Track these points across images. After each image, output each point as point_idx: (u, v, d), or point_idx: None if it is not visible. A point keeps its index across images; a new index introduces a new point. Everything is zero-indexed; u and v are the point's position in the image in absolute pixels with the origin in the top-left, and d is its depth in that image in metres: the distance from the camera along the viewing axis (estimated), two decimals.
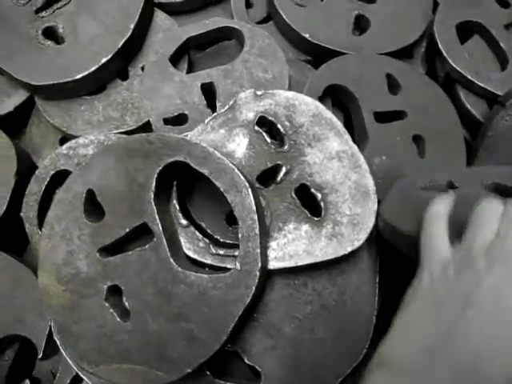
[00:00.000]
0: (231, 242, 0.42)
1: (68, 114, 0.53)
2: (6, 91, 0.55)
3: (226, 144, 0.43)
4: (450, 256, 0.32)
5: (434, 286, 0.32)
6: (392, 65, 0.52)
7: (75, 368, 0.42)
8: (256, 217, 0.37)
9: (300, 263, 0.39)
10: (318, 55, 0.55)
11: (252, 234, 0.37)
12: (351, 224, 0.40)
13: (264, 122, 0.43)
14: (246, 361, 0.41)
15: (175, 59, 0.51)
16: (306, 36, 0.53)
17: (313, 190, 0.41)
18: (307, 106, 0.43)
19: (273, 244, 0.40)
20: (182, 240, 0.41)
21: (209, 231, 0.42)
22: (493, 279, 0.29)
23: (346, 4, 0.56)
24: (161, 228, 0.39)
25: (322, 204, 0.41)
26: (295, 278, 0.42)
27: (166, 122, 0.48)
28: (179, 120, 0.48)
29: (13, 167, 0.49)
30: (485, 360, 0.28)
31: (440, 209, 0.35)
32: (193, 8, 0.59)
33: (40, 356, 0.44)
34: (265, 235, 0.39)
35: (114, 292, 0.39)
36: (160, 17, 0.56)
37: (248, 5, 0.59)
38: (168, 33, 0.55)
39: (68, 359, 0.41)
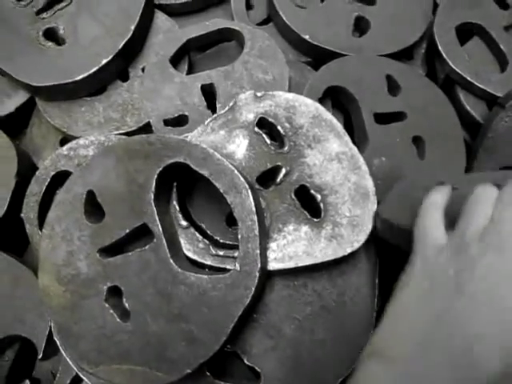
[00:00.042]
0: (231, 242, 0.42)
1: (68, 114, 0.53)
2: (6, 92, 0.56)
3: (226, 145, 0.43)
4: (443, 242, 0.32)
5: (426, 272, 0.32)
6: (392, 66, 0.52)
7: (75, 368, 0.42)
8: (255, 218, 0.37)
9: (300, 264, 0.40)
10: (318, 56, 0.55)
11: (251, 235, 0.37)
12: (351, 225, 0.40)
13: (264, 124, 0.43)
14: (245, 361, 0.41)
15: (175, 60, 0.52)
16: (306, 37, 0.53)
17: (312, 192, 0.41)
18: (307, 108, 0.43)
19: (272, 245, 0.40)
20: (182, 241, 0.41)
21: (209, 232, 0.43)
22: (485, 266, 0.29)
23: (345, 5, 0.56)
24: (161, 229, 0.39)
25: (321, 205, 0.41)
26: (295, 278, 0.42)
27: (167, 123, 0.48)
28: (179, 121, 0.49)
29: (13, 168, 0.49)
30: (477, 348, 0.27)
31: (437, 198, 0.35)
32: (193, 9, 0.59)
33: (40, 356, 0.45)
34: (264, 236, 0.39)
35: (114, 293, 0.39)
36: (160, 18, 0.56)
37: (248, 6, 0.59)
38: (168, 34, 0.55)
39: (68, 359, 0.41)
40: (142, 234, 0.40)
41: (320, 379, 0.40)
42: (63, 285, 0.40)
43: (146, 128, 0.51)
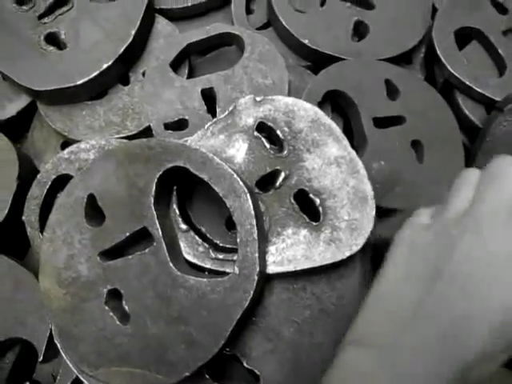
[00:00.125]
0: (231, 246, 0.42)
1: (70, 118, 0.53)
2: (8, 96, 0.56)
3: (226, 149, 0.43)
4: (425, 225, 0.32)
5: (406, 255, 0.31)
6: (391, 70, 0.53)
7: (75, 371, 0.42)
8: (254, 222, 0.37)
9: (298, 268, 0.40)
10: (317, 61, 0.56)
11: (250, 239, 0.37)
12: (349, 229, 0.40)
13: (263, 128, 0.44)
14: (245, 364, 0.41)
15: (176, 65, 0.52)
16: (306, 42, 0.54)
17: (311, 195, 0.41)
18: (306, 112, 0.43)
19: (271, 248, 0.40)
20: (182, 244, 0.41)
21: (208, 236, 0.43)
22: (464, 249, 0.29)
23: (345, 10, 0.56)
24: (160, 232, 0.39)
25: (320, 209, 0.41)
26: (294, 282, 0.42)
27: (167, 126, 0.49)
28: (180, 125, 0.49)
29: (15, 171, 0.49)
30: (457, 330, 0.27)
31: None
32: (194, 14, 0.60)
33: (40, 359, 0.45)
34: (263, 240, 0.39)
35: (114, 295, 0.39)
36: (161, 23, 0.56)
37: (248, 11, 0.60)
38: (169, 39, 0.55)
39: (68, 362, 0.42)
40: (142, 237, 0.41)
41: (319, 382, 0.40)
42: (64, 288, 0.40)
43: (147, 132, 0.51)
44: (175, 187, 0.43)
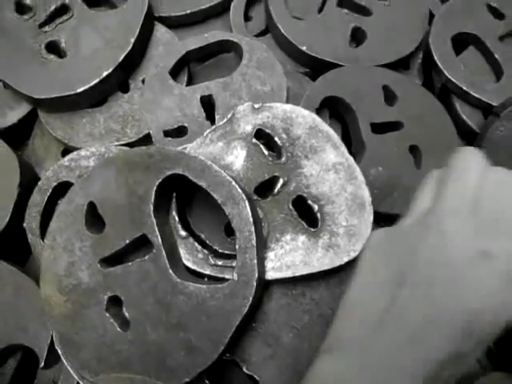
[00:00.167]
0: (230, 252, 0.42)
1: (70, 126, 0.53)
2: (9, 104, 0.56)
3: (225, 156, 0.43)
4: (390, 229, 0.31)
5: (372, 260, 0.31)
6: (388, 76, 0.53)
7: (76, 377, 0.42)
8: (253, 228, 0.37)
9: (297, 273, 0.40)
10: (315, 67, 0.56)
11: (249, 246, 0.37)
12: (347, 235, 0.41)
13: (262, 135, 0.44)
14: (244, 370, 0.41)
15: (175, 72, 0.52)
16: (304, 48, 0.54)
17: (309, 202, 0.42)
18: (304, 119, 0.44)
19: (270, 255, 0.41)
20: (182, 251, 0.41)
21: (208, 242, 0.43)
22: (425, 251, 0.28)
23: (342, 17, 0.57)
24: (160, 239, 0.39)
25: (318, 215, 0.41)
26: (293, 287, 0.42)
27: (166, 134, 0.49)
28: (179, 132, 0.49)
29: (16, 179, 0.50)
30: (422, 335, 0.27)
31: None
32: (192, 21, 0.60)
33: (42, 365, 0.45)
34: (262, 246, 0.40)
35: (115, 302, 0.39)
36: (160, 30, 0.57)
37: (246, 18, 0.60)
38: (168, 46, 0.56)
39: (69, 368, 0.42)
40: (141, 244, 0.41)
41: None
42: (64, 294, 0.40)
43: (146, 139, 0.52)
44: (174, 194, 0.43)
